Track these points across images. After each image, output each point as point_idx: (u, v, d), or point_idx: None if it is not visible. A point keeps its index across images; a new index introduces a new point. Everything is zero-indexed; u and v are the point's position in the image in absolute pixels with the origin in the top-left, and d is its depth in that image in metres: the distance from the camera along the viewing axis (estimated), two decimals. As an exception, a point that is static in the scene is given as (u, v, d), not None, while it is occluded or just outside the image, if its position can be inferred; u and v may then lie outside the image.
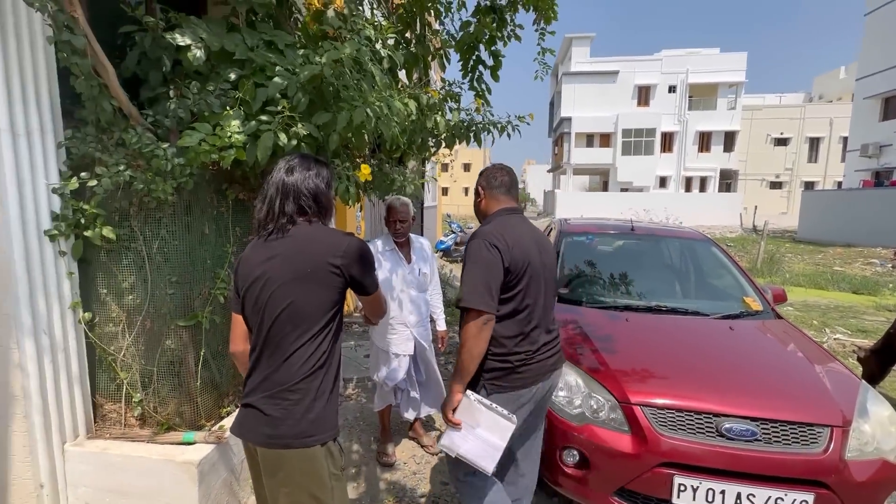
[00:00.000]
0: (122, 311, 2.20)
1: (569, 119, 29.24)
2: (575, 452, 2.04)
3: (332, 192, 1.49)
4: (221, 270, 2.34)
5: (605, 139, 29.32)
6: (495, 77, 3.30)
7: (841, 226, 17.38)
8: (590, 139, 29.64)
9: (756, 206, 27.17)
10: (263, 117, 1.87)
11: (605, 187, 32.50)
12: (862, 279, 11.84)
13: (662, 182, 28.96)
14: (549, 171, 40.41)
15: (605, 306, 2.82)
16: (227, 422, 2.31)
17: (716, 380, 2.07)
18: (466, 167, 43.91)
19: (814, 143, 29.19)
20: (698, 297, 3.09)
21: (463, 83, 3.37)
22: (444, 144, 3.42)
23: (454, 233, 11.94)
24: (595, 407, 2.09)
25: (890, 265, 12.97)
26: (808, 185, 28.67)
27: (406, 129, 2.32)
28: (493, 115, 3.43)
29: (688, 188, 28.90)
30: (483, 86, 3.36)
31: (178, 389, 2.22)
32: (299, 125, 1.88)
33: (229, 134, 1.89)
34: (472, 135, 3.41)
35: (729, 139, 28.01)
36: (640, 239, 3.54)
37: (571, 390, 2.19)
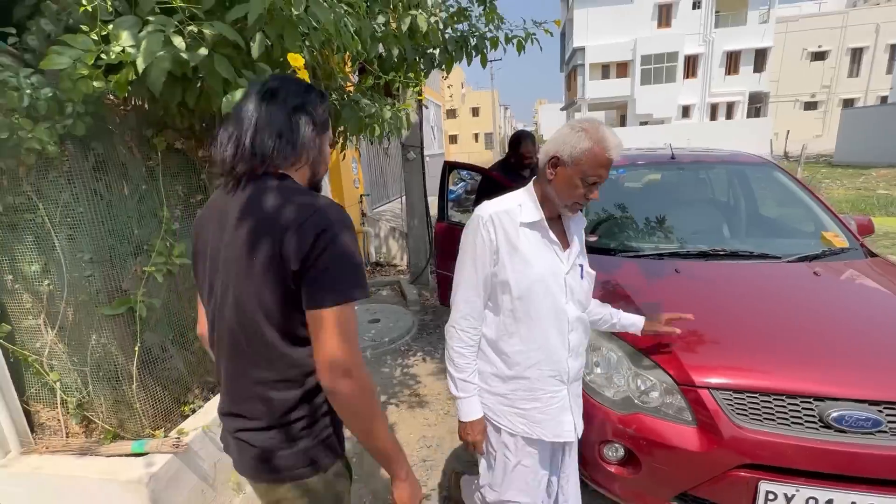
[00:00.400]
0: (37, 300, 1.75)
1: (582, 49, 26.98)
2: (619, 448, 1.58)
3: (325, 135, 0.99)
4: (157, 240, 1.84)
5: (623, 69, 27.10)
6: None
7: (885, 146, 15.90)
8: (605, 70, 27.46)
9: (788, 131, 25.21)
10: (151, 18, 1.28)
11: (622, 122, 30.57)
12: (914, 201, 10.81)
13: (685, 112, 26.96)
14: (562, 110, 38.18)
15: (646, 255, 2.26)
16: (191, 422, 1.92)
17: (813, 348, 1.53)
18: (475, 111, 41.86)
19: (856, 54, 26.39)
20: (764, 236, 2.49)
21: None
22: (436, 63, 2.74)
23: (464, 181, 11.11)
24: (644, 389, 1.60)
25: (942, 185, 11.80)
26: (848, 103, 26.27)
27: (372, 34, 1.69)
28: (501, 19, 2.71)
29: (713, 116, 26.89)
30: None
31: (118, 391, 1.81)
32: (204, 24, 1.28)
33: (119, 48, 1.32)
34: (473, 49, 2.71)
35: (760, 57, 25.51)
36: (682, 169, 2.89)
37: (611, 367, 1.69)
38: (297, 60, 1.22)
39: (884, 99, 24.98)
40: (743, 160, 2.86)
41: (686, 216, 2.62)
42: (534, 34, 2.66)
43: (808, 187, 2.61)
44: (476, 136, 42.02)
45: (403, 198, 4.86)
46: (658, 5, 25.73)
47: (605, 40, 26.43)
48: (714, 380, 1.46)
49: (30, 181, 1.61)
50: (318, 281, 0.82)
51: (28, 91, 1.33)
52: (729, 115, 26.67)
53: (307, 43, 1.39)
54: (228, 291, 0.89)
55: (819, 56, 26.81)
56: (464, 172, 12.24)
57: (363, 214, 5.71)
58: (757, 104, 26.91)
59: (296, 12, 1.28)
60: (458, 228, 3.13)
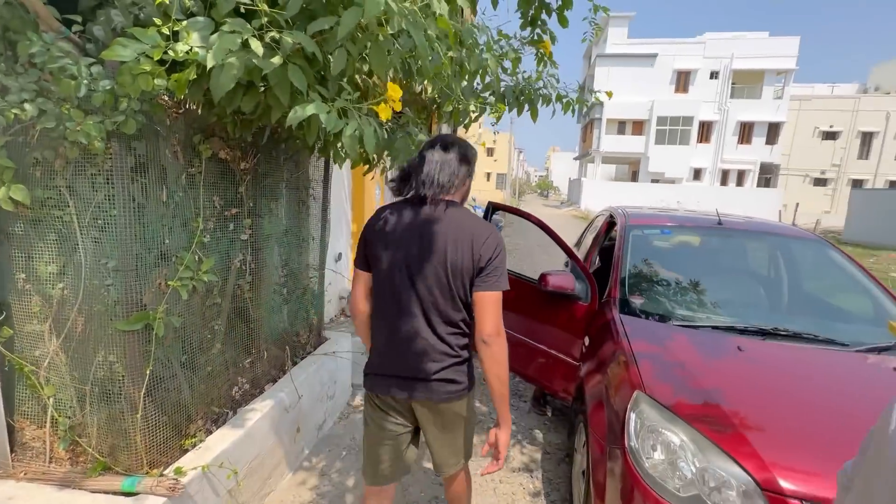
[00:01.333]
0: (46, 304, 1.59)
1: (601, 104, 27.78)
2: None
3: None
4: (187, 254, 1.70)
5: (638, 127, 27.80)
6: (563, 22, 2.50)
7: (894, 228, 15.97)
8: (621, 126, 28.16)
9: (797, 204, 25.51)
10: (228, 19, 1.18)
11: (633, 177, 31.06)
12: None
13: (696, 174, 27.41)
14: (575, 159, 38.97)
15: (700, 325, 2.09)
16: (191, 459, 1.70)
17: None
18: (490, 151, 42.73)
19: (866, 138, 27.08)
20: (823, 318, 2.33)
21: (519, 37, 2.62)
22: (489, 108, 2.69)
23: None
24: (714, 485, 1.40)
25: (954, 274, 11.72)
26: (857, 184, 26.72)
27: (447, 61, 1.61)
28: (556, 78, 2.72)
29: (724, 182, 27.31)
30: (547, 35, 2.60)
31: (116, 417, 1.61)
32: (284, 32, 1.19)
33: (187, 47, 1.22)
34: (526, 101, 2.68)
35: (773, 131, 26.19)
36: (729, 236, 2.77)
37: (674, 453, 1.50)
38: (396, 92, 1.12)
39: (893, 183, 25.43)
40: (794, 234, 2.75)
41: (736, 287, 2.48)
42: (586, 101, 2.66)
43: (866, 269, 2.47)
44: (489, 175, 42.70)
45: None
46: (677, 72, 26.69)
47: (623, 98, 27.26)
48: (808, 488, 1.27)
49: (64, 176, 1.49)
50: (492, 275, 1.34)
51: (86, 81, 1.22)
52: (739, 182, 27.08)
53: (393, 65, 1.30)
54: (424, 271, 1.33)
55: (830, 136, 27.50)
56: (477, 209, 11.74)
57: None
58: (767, 175, 27.37)
59: (390, 31, 1.18)
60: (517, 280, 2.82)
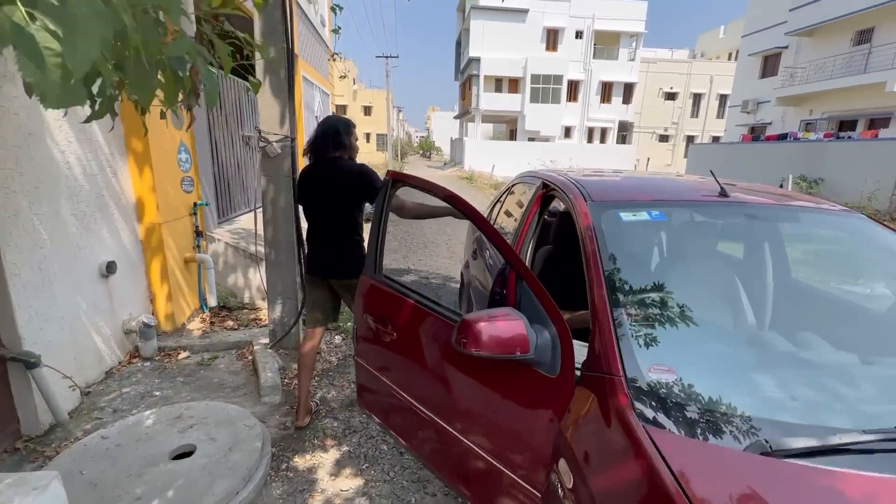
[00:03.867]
0: None
1: (477, 60, 27.06)
2: None
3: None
4: None
5: (514, 85, 27.90)
6: None
7: (723, 177, 18.44)
8: (498, 84, 27.96)
9: (649, 158, 28.61)
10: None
11: (511, 136, 31.61)
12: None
13: (567, 132, 28.83)
14: (455, 118, 38.32)
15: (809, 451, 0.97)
16: None
17: None
18: (367, 110, 39.74)
19: (696, 98, 31.20)
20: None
21: None
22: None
23: None
24: None
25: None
26: (690, 139, 30.90)
27: None
28: None
29: (590, 139, 29.24)
30: None
31: None
32: None
33: None
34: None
35: (628, 91, 28.50)
36: (753, 217, 1.73)
37: None
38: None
39: (715, 138, 29.88)
40: (826, 209, 1.77)
41: (800, 324, 1.46)
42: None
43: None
44: (368, 136, 39.89)
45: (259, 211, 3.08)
46: (547, 29, 27.05)
47: (499, 54, 26.89)
48: None
49: None
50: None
51: None
52: (602, 140, 29.26)
53: None
54: (328, 206, 2.26)
55: (670, 96, 31.05)
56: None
57: (199, 234, 3.71)
58: (624, 132, 30.05)
59: None
60: (394, 295, 1.71)
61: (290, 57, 2.84)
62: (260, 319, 3.83)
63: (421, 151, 60.84)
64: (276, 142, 2.90)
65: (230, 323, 3.73)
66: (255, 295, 4.12)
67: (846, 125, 16.99)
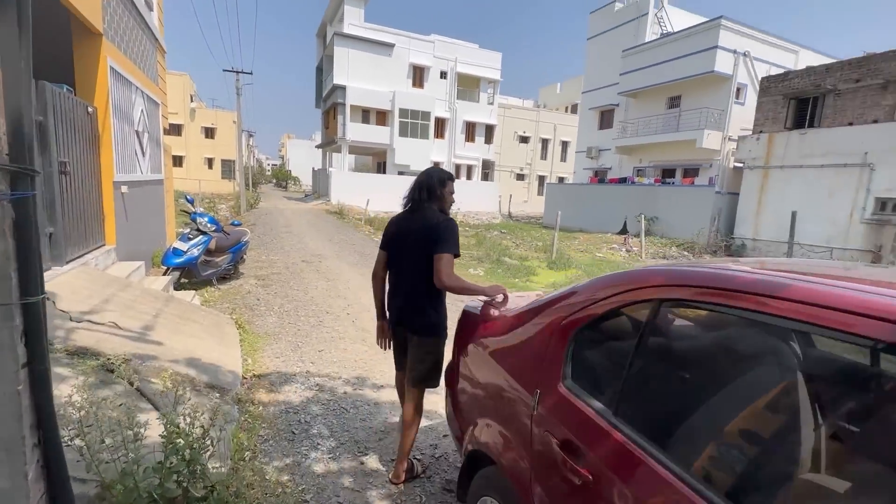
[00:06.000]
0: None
1: (343, 88, 25.52)
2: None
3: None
4: None
5: (382, 117, 27.08)
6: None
7: (574, 214, 20.30)
8: (366, 115, 26.78)
9: (511, 195, 30.52)
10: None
11: (378, 169, 30.56)
12: (623, 264, 13.07)
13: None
14: (318, 147, 35.67)
15: None
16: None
17: None
18: (209, 132, 34.25)
19: (545, 143, 34.93)
20: None
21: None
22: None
23: (202, 233, 6.19)
24: None
25: (625, 250, 15.31)
26: (541, 179, 34.23)
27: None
28: None
29: (457, 175, 29.93)
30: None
31: None
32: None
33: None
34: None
35: (489, 132, 30.26)
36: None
37: None
38: None
39: (561, 179, 33.65)
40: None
41: None
42: None
43: None
44: (210, 161, 34.29)
45: None
46: (413, 66, 27.15)
47: (366, 85, 25.85)
48: None
49: None
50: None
51: None
52: (468, 176, 30.26)
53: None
54: (412, 255, 2.33)
55: (524, 139, 34.12)
56: (203, 217, 6.10)
57: None
58: (486, 170, 31.68)
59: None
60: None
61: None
62: None
63: (275, 181, 55.51)
64: None
65: None
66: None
67: (668, 173, 20.32)
